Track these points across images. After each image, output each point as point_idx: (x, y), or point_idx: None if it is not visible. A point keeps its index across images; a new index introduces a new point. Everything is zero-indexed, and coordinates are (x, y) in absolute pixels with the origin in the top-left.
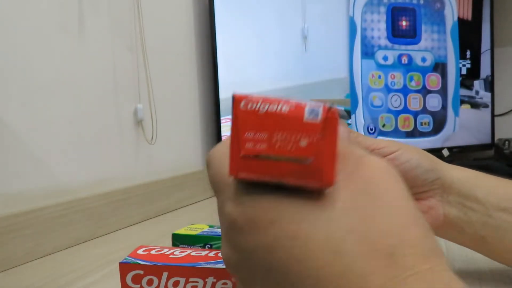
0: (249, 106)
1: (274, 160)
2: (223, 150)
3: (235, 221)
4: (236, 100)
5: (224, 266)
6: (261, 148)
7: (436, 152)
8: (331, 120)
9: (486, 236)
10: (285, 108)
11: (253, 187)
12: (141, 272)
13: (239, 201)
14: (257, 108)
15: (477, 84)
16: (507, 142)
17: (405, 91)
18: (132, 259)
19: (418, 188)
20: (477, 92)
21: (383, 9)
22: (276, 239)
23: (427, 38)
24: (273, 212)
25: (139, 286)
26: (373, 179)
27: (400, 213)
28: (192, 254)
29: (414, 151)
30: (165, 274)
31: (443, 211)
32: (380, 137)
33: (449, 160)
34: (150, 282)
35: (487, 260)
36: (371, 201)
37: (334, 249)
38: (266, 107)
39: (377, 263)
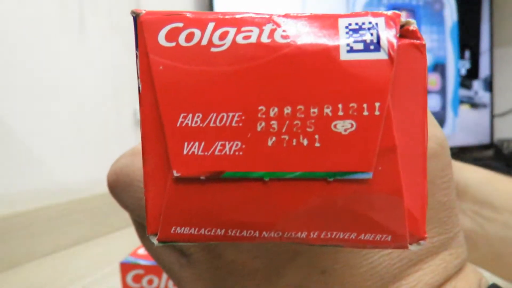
0: (181, 38)
1: (268, 182)
2: None
3: None
4: (143, 24)
5: None
6: (228, 152)
7: None
8: (414, 53)
9: (504, 254)
10: (281, 35)
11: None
12: (142, 271)
13: None
14: (200, 42)
15: (477, 85)
16: (506, 142)
17: None
18: (133, 258)
19: None
20: (476, 93)
21: (382, 10)
22: None
23: (427, 38)
24: None
25: (139, 285)
26: None
27: None
28: None
29: None
30: (165, 274)
31: None
32: None
33: None
34: (150, 282)
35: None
36: None
37: None
38: (227, 37)
39: None
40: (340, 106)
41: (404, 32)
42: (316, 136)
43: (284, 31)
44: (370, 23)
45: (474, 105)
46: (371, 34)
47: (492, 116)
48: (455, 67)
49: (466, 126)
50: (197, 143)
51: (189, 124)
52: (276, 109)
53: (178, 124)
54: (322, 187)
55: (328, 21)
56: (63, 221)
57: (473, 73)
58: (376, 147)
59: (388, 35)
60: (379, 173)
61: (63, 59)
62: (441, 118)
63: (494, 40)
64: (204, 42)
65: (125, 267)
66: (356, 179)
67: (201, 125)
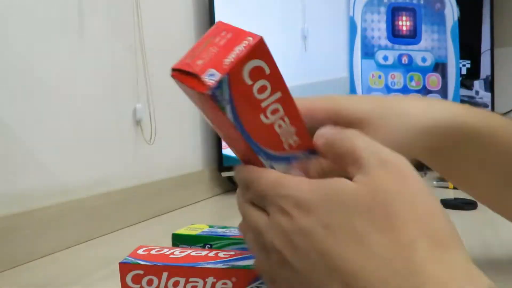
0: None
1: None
2: None
3: None
4: None
5: (226, 266)
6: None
7: None
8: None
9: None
10: None
11: None
12: (141, 272)
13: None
14: None
15: (477, 84)
16: None
17: (405, 91)
18: (132, 259)
19: None
20: (477, 92)
21: (383, 9)
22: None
23: (427, 38)
24: None
25: (139, 286)
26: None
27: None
28: (192, 254)
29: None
30: (165, 274)
31: None
32: None
33: None
34: (150, 282)
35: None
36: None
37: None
38: None
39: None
40: None
41: None
42: None
43: None
44: None
45: (474, 105)
46: None
47: None
48: (455, 66)
49: None
50: None
51: None
52: None
53: None
54: None
55: None
56: (63, 221)
57: (473, 73)
58: None
59: None
60: None
61: (63, 59)
62: None
63: (495, 40)
64: None
65: (125, 267)
66: None
67: None
